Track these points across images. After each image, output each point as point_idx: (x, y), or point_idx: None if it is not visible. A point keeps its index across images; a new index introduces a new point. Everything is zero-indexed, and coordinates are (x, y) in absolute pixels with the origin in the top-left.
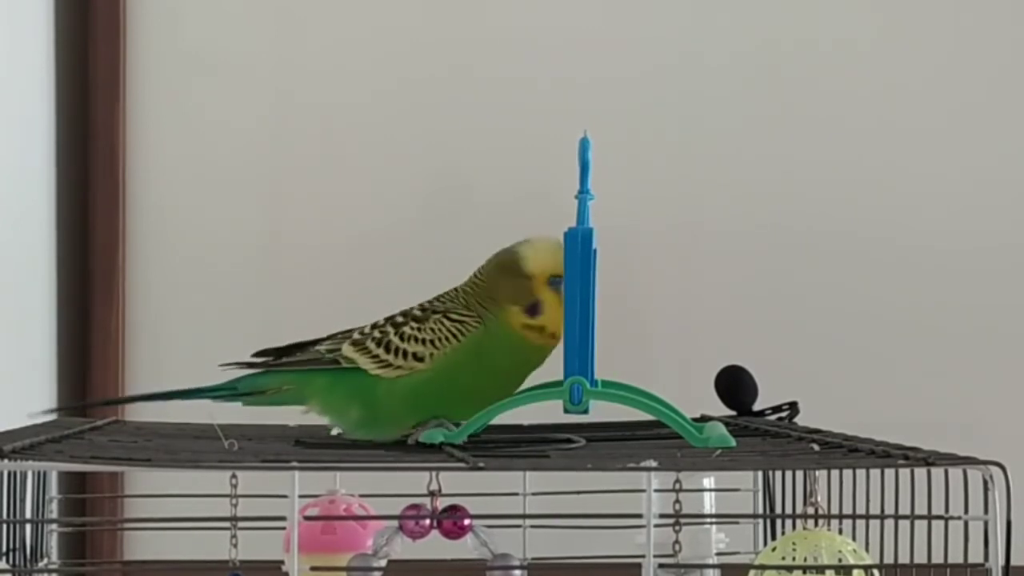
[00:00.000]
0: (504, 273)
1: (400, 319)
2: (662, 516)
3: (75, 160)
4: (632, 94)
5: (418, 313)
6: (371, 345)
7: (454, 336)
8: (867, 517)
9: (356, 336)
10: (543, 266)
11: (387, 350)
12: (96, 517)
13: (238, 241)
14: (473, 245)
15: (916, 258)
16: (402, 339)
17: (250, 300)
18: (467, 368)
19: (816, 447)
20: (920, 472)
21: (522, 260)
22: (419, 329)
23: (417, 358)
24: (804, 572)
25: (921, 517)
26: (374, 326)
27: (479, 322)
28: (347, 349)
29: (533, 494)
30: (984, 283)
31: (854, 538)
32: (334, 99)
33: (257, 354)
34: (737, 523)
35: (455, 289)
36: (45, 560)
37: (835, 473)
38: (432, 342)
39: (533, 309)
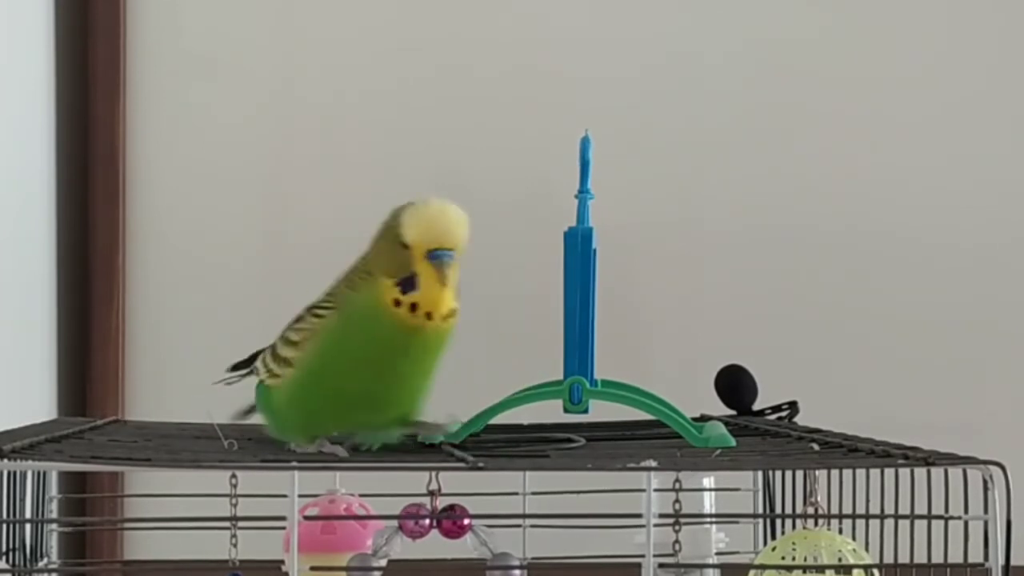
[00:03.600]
0: (383, 239)
1: (291, 321)
2: (662, 516)
3: (75, 160)
4: (632, 93)
5: (302, 312)
6: (267, 356)
7: (314, 333)
8: (867, 517)
9: (269, 345)
10: (422, 237)
11: (273, 359)
12: (96, 517)
13: (238, 240)
14: (473, 245)
15: (916, 257)
16: (285, 344)
17: (249, 299)
18: (329, 364)
19: (816, 447)
20: (920, 472)
21: (402, 228)
22: (297, 331)
23: (288, 363)
24: (804, 572)
25: (921, 517)
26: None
27: (333, 308)
28: (259, 361)
29: (533, 494)
30: (984, 282)
31: (854, 538)
32: (334, 98)
33: (232, 366)
34: (737, 523)
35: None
36: (45, 560)
37: (835, 473)
38: (298, 344)
39: (407, 283)
